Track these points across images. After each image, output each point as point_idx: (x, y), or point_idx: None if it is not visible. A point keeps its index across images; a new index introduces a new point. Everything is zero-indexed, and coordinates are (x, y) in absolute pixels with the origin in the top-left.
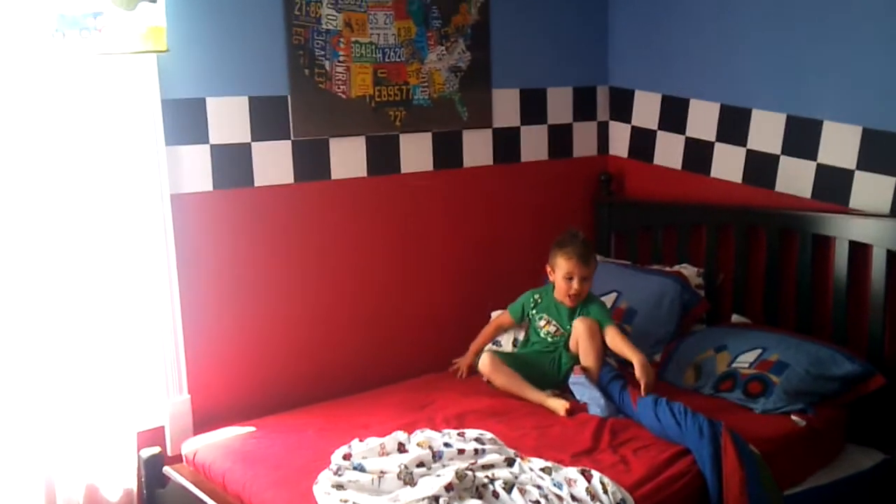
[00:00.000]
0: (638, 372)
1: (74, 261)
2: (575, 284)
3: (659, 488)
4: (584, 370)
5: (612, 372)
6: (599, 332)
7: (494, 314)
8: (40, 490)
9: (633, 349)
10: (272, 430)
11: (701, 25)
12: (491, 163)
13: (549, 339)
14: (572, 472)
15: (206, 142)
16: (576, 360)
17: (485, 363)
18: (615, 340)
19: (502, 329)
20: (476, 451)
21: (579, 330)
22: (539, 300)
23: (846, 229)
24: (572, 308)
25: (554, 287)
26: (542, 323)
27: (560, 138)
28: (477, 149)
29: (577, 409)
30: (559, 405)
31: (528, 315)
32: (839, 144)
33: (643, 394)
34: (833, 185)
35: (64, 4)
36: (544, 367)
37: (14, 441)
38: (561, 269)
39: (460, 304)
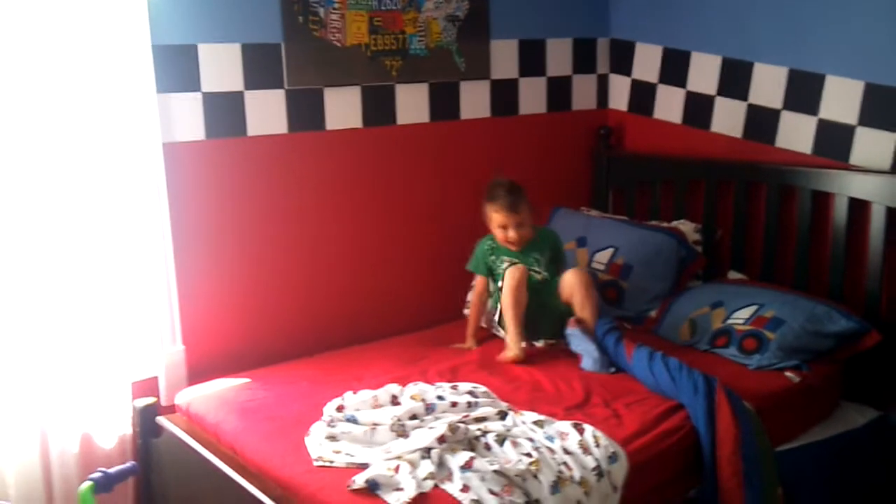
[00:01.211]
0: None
1: (67, 210)
2: (511, 233)
3: (651, 443)
4: (580, 322)
5: (608, 324)
6: (593, 282)
7: (469, 295)
8: (35, 438)
9: (594, 307)
10: (266, 381)
11: None
12: (488, 115)
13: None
14: (565, 425)
15: (199, 90)
16: (547, 299)
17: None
18: (577, 285)
19: (484, 294)
20: (469, 404)
21: (572, 282)
22: (494, 245)
23: (846, 186)
24: (525, 248)
25: None
26: (506, 265)
27: (559, 91)
28: (474, 101)
29: (524, 359)
30: (508, 355)
31: (488, 264)
32: (841, 99)
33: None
34: (834, 141)
35: None
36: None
37: (8, 390)
38: (493, 222)
39: (458, 256)
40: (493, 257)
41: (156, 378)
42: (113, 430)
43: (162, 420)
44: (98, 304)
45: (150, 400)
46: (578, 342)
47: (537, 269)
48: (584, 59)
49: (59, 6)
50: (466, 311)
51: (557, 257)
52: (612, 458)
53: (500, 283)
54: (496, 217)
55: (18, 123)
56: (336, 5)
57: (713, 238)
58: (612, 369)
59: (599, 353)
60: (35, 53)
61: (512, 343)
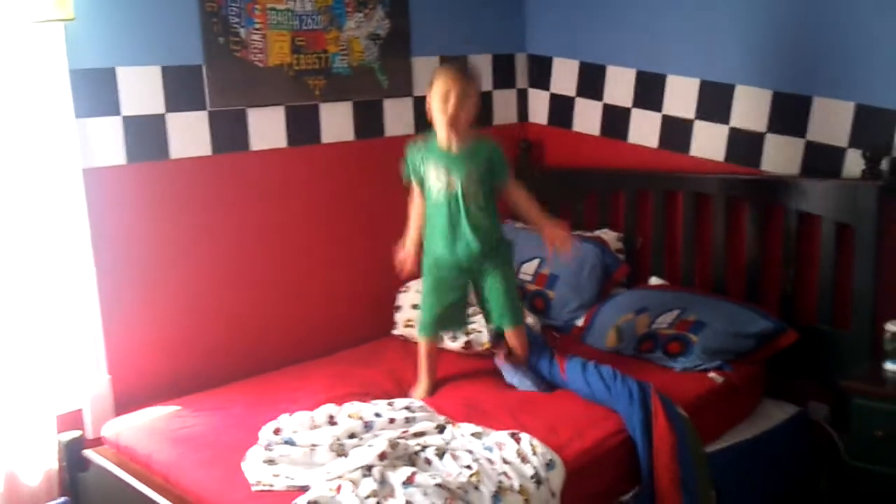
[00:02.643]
0: (548, 235)
1: None
2: (452, 101)
3: (587, 449)
4: (508, 356)
5: (538, 348)
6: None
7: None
8: None
9: (538, 211)
10: (197, 408)
11: None
12: (413, 132)
13: (442, 196)
14: (502, 435)
15: (118, 113)
16: (478, 216)
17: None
18: (519, 199)
19: (423, 203)
20: (407, 419)
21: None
22: (424, 148)
23: (758, 191)
24: (458, 153)
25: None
26: (432, 174)
27: (480, 106)
28: (398, 117)
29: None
30: (418, 393)
31: (420, 168)
32: (751, 108)
33: (556, 251)
34: (746, 149)
35: None
36: (447, 257)
37: None
38: (436, 93)
39: (387, 273)
40: (421, 162)
41: (81, 410)
42: (38, 466)
43: (89, 453)
44: (19, 334)
45: (76, 433)
46: (511, 376)
47: (463, 179)
48: (503, 74)
49: None
50: (396, 331)
51: (494, 170)
52: (550, 465)
53: (426, 200)
54: (439, 85)
55: None
56: (257, 25)
57: (634, 246)
58: (546, 388)
59: (533, 381)
60: None
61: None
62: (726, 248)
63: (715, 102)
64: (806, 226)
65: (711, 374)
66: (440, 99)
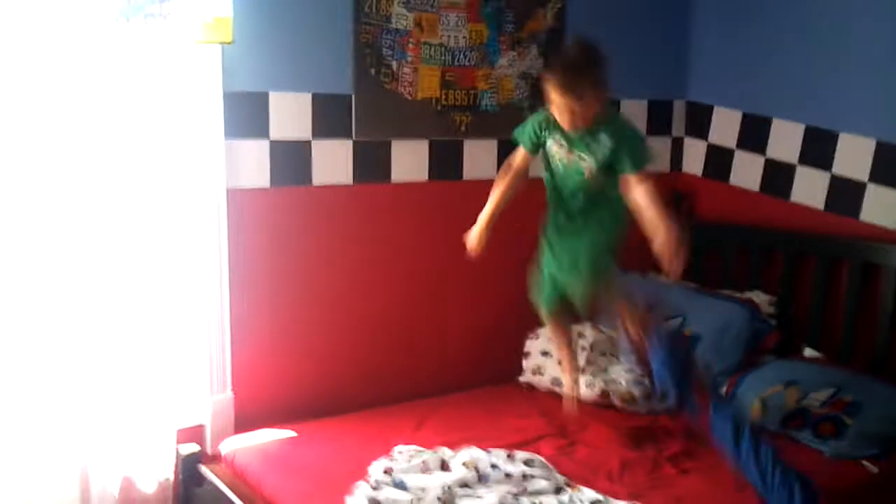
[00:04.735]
0: (659, 246)
1: (126, 252)
2: (565, 116)
3: None
4: (630, 335)
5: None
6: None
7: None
8: (75, 477)
9: (661, 215)
10: (313, 435)
11: (788, 42)
12: None
13: (562, 168)
14: None
15: (266, 137)
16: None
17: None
18: (640, 199)
19: (521, 174)
20: (524, 476)
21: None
22: (551, 118)
23: None
24: (582, 131)
25: None
26: (555, 147)
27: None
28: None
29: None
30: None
31: (542, 139)
32: None
33: (669, 276)
34: None
35: None
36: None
37: (53, 427)
38: (552, 103)
39: (517, 318)
40: (546, 132)
41: (203, 425)
42: (154, 476)
43: (204, 469)
44: (150, 346)
45: (195, 448)
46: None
47: (584, 160)
48: (658, 121)
49: (137, 49)
50: (523, 378)
51: (621, 152)
52: None
53: (549, 168)
54: (553, 97)
55: (88, 164)
56: (409, 59)
57: (789, 312)
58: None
59: (660, 382)
60: (109, 95)
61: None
62: (893, 324)
63: (890, 165)
64: None
65: (866, 463)
66: (554, 108)
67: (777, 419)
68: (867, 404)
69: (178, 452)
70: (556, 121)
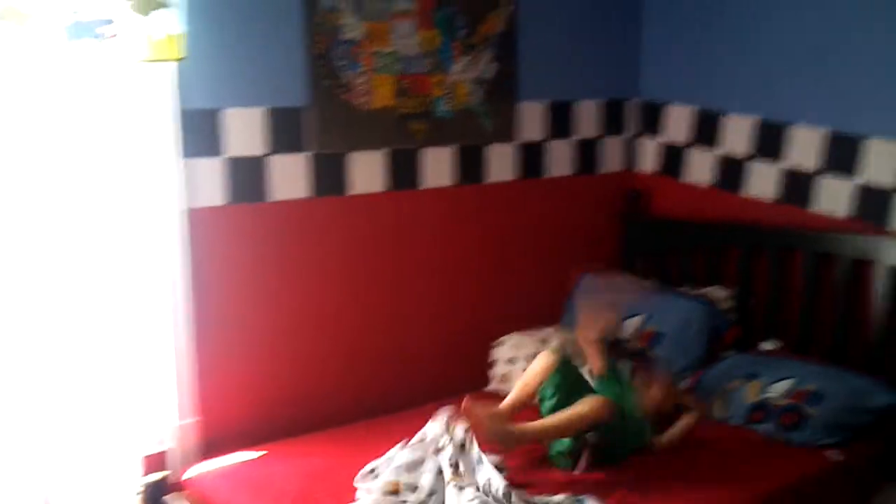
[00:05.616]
0: None
1: (85, 276)
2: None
3: None
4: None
5: None
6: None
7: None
8: None
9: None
10: (282, 456)
11: (739, 37)
12: (514, 178)
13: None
14: None
15: (221, 154)
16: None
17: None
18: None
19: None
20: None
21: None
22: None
23: (887, 253)
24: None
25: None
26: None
27: (586, 153)
28: (500, 163)
29: None
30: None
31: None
32: (882, 162)
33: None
34: (874, 206)
35: (78, 10)
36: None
37: (13, 461)
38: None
39: (483, 322)
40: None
41: (168, 451)
42: None
43: (171, 497)
44: (111, 372)
45: (161, 475)
46: None
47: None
48: (612, 121)
49: (89, 70)
50: (490, 387)
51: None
52: None
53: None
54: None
55: (41, 186)
56: (362, 69)
57: (747, 306)
58: None
59: None
60: (61, 117)
61: None
62: (849, 313)
63: (842, 155)
64: None
65: (828, 452)
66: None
67: (740, 414)
68: (828, 393)
69: (143, 480)
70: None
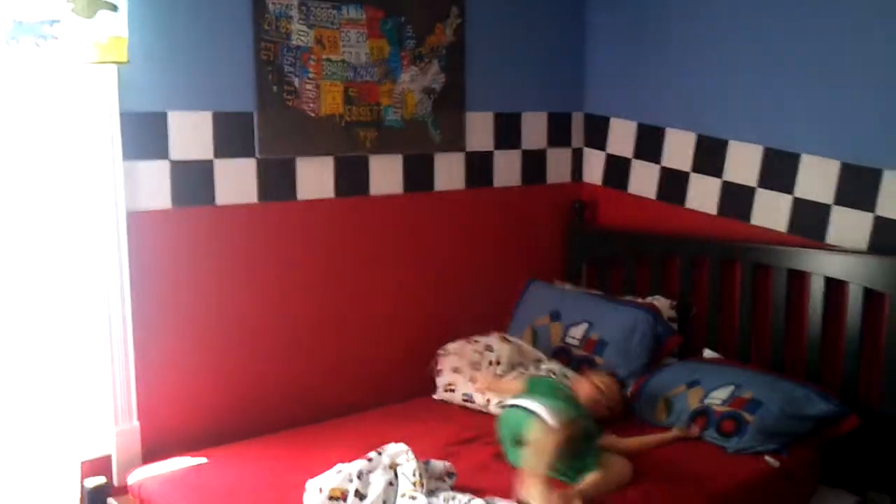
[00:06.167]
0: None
1: (22, 279)
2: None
3: None
4: None
5: None
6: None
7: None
8: None
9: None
10: (224, 461)
11: (679, 55)
12: (463, 187)
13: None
14: None
15: (167, 157)
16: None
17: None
18: None
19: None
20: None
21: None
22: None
23: (822, 265)
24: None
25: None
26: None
27: (534, 164)
28: (449, 172)
29: None
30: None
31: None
32: (817, 178)
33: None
34: (810, 220)
35: (20, 10)
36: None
37: None
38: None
39: (428, 328)
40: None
41: (108, 456)
42: None
43: (112, 502)
44: (50, 377)
45: (101, 480)
46: None
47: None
48: (559, 133)
49: (29, 72)
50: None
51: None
52: None
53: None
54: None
55: None
56: (311, 75)
57: (688, 315)
58: None
59: None
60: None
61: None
62: (786, 323)
63: (779, 171)
64: (873, 304)
65: (767, 458)
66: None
67: (682, 419)
68: (766, 400)
69: (83, 486)
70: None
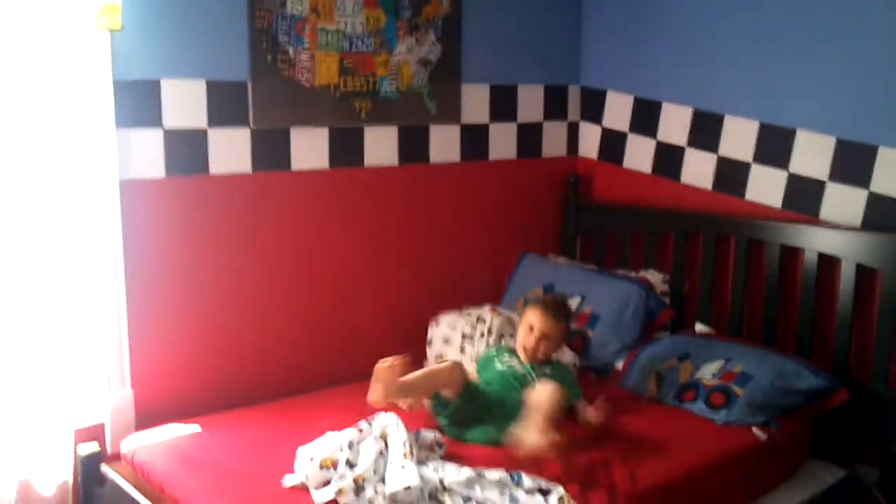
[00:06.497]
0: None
1: (16, 248)
2: (532, 336)
3: None
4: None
5: None
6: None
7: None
8: None
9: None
10: (217, 429)
11: (676, 28)
12: (458, 160)
13: (509, 374)
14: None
15: (160, 126)
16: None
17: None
18: (592, 417)
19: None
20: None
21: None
22: (504, 348)
23: (816, 241)
24: (531, 364)
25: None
26: (506, 359)
27: (529, 137)
28: (444, 144)
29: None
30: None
31: (487, 359)
32: (812, 154)
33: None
34: (804, 196)
35: None
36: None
37: None
38: (525, 320)
39: (423, 300)
40: (496, 354)
41: (102, 424)
42: (53, 477)
43: (106, 469)
44: (45, 345)
45: (94, 447)
46: None
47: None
48: (554, 106)
49: (20, 39)
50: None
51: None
52: None
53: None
54: (529, 314)
55: None
56: (306, 45)
57: (681, 289)
58: None
59: None
60: None
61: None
62: (778, 298)
63: (774, 146)
64: (865, 280)
65: (755, 430)
66: (525, 330)
67: (672, 392)
68: (756, 374)
69: (76, 452)
70: (508, 351)
